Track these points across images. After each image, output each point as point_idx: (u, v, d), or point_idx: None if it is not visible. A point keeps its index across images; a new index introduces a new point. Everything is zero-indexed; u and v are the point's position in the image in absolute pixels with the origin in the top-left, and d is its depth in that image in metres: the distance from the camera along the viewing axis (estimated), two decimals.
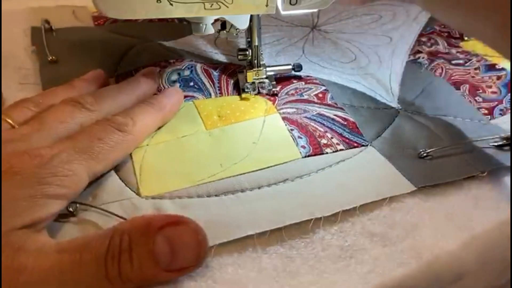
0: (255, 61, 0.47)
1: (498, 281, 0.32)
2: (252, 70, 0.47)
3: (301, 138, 0.41)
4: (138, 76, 0.46)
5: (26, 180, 0.30)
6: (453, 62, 0.54)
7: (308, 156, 0.40)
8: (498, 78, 0.51)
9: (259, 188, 0.36)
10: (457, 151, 0.40)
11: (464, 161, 0.39)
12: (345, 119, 0.44)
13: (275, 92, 0.47)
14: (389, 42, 0.58)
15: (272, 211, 0.34)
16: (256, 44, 0.46)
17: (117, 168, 0.38)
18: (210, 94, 0.48)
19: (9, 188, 0.29)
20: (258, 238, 0.32)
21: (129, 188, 0.36)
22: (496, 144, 0.41)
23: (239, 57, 0.48)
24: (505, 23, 0.30)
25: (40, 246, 0.28)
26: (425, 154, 0.39)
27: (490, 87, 0.50)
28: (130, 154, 0.39)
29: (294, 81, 0.50)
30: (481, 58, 0.54)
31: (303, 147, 0.41)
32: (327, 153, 0.40)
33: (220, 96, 0.48)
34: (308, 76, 0.51)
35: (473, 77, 0.51)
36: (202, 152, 0.40)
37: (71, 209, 0.33)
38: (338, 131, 0.43)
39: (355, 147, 0.41)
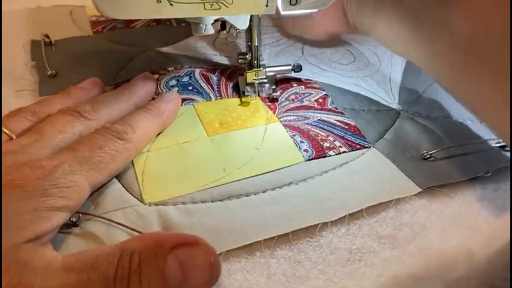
0: (255, 62, 0.47)
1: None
2: (251, 71, 0.47)
3: (303, 142, 0.41)
4: (135, 81, 0.45)
5: (28, 193, 0.29)
6: None
7: (312, 159, 0.39)
8: None
9: (263, 192, 0.36)
10: (460, 152, 0.39)
11: (468, 162, 0.39)
12: (346, 124, 0.44)
13: (276, 96, 0.47)
14: None
15: (278, 215, 0.33)
16: (256, 44, 0.46)
17: (119, 175, 0.37)
18: (210, 97, 0.48)
19: (12, 201, 0.28)
20: (265, 242, 0.31)
21: (132, 195, 0.36)
22: (499, 145, 0.40)
23: (239, 61, 0.48)
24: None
25: (47, 263, 0.27)
26: (428, 156, 0.39)
27: None
28: (132, 160, 0.39)
29: (294, 85, 0.50)
30: None
31: (306, 150, 0.40)
32: (330, 155, 0.40)
33: (220, 98, 0.48)
34: (307, 80, 0.51)
35: None
36: (205, 157, 0.40)
37: (73, 219, 0.33)
38: (340, 134, 0.42)
39: (358, 149, 0.41)
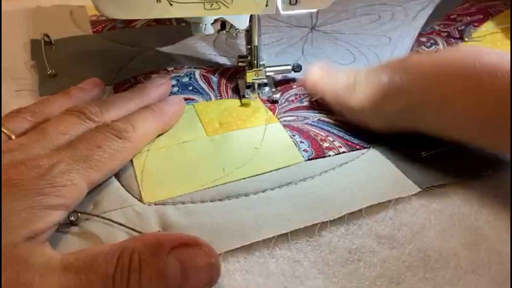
0: (255, 61, 0.47)
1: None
2: (251, 71, 0.47)
3: (303, 142, 0.41)
4: (148, 85, 0.45)
5: (24, 192, 0.29)
6: None
7: (311, 159, 0.39)
8: None
9: (263, 191, 0.36)
10: (459, 152, 0.39)
11: (467, 161, 0.39)
12: (345, 124, 0.44)
13: (276, 99, 0.47)
14: (388, 43, 0.58)
15: (277, 215, 0.33)
16: (256, 44, 0.46)
17: (118, 174, 0.37)
18: (210, 97, 0.48)
19: (8, 199, 0.28)
20: (264, 242, 0.31)
21: (131, 195, 0.36)
22: None
23: (239, 63, 0.48)
24: None
25: (46, 261, 0.27)
26: (427, 156, 0.39)
27: None
28: (131, 160, 0.39)
29: (294, 86, 0.50)
30: None
31: (305, 150, 0.40)
32: (329, 155, 0.40)
33: (220, 98, 0.48)
34: None
35: None
36: (204, 157, 0.40)
37: (72, 219, 0.33)
38: (339, 134, 0.42)
39: (357, 149, 0.41)
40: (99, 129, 0.36)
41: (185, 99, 0.47)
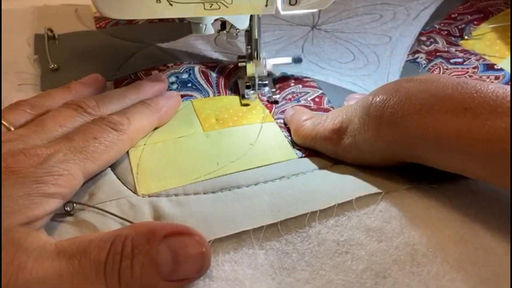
0: (255, 53, 0.47)
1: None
2: (251, 63, 0.47)
3: None
4: (145, 81, 0.46)
5: (22, 179, 0.30)
6: (452, 61, 0.54)
7: (304, 157, 0.40)
8: (496, 78, 0.51)
9: (255, 184, 0.36)
10: None
11: None
12: None
13: (276, 99, 0.47)
14: (388, 42, 0.58)
15: (268, 206, 0.34)
16: (256, 37, 0.46)
17: (114, 167, 0.38)
18: (208, 94, 0.48)
19: (5, 186, 0.29)
20: (254, 233, 0.31)
21: (126, 187, 0.36)
22: None
23: (239, 64, 0.48)
24: None
25: (40, 245, 0.27)
26: None
27: None
28: (128, 153, 0.39)
29: (292, 84, 0.50)
30: (480, 57, 0.54)
31: (300, 149, 0.41)
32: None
33: (218, 95, 0.48)
34: (305, 77, 0.51)
35: (470, 76, 0.51)
36: (199, 151, 0.40)
37: (68, 209, 0.33)
38: None
39: None
40: (96, 122, 0.37)
41: (184, 96, 0.47)
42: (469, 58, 0.54)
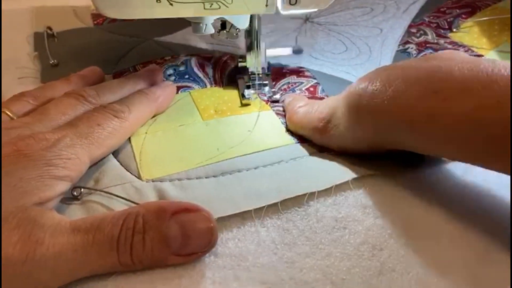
0: (255, 42, 0.46)
1: None
2: (250, 53, 0.47)
3: None
4: (141, 72, 0.47)
5: (33, 162, 0.31)
6: (440, 52, 0.55)
7: (300, 143, 0.41)
8: None
9: (255, 168, 0.38)
10: None
11: None
12: None
13: (276, 99, 0.48)
14: (379, 33, 0.59)
15: (268, 188, 0.35)
16: (256, 29, 0.46)
17: (116, 155, 0.39)
18: (205, 85, 0.49)
19: (18, 169, 0.30)
20: (255, 212, 0.33)
21: (130, 173, 0.37)
22: None
23: (239, 64, 0.48)
24: None
25: (55, 223, 0.29)
26: None
27: None
28: (130, 141, 0.41)
29: (287, 74, 0.52)
30: (468, 49, 0.56)
31: (294, 136, 0.42)
32: None
33: (215, 86, 0.49)
34: (300, 68, 0.53)
35: None
36: (199, 138, 0.41)
37: (75, 193, 0.35)
38: None
39: None
40: (98, 110, 0.38)
41: (182, 87, 0.48)
42: (457, 50, 0.56)
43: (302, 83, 0.50)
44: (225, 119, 0.44)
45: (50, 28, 0.59)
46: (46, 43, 0.57)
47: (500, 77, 0.28)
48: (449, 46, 0.57)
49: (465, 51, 0.55)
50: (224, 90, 0.49)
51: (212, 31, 0.44)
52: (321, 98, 0.48)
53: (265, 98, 0.48)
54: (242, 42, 0.50)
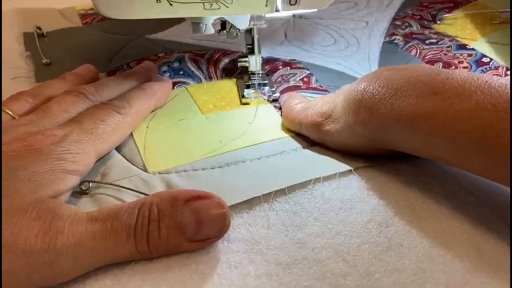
0: (255, 42, 0.47)
1: None
2: (253, 56, 0.47)
3: None
4: (137, 69, 0.48)
5: (44, 156, 0.31)
6: (427, 41, 0.58)
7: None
8: (469, 55, 0.54)
9: (258, 159, 0.39)
10: None
11: None
12: None
13: (276, 98, 0.48)
14: (365, 26, 0.61)
15: (274, 175, 0.36)
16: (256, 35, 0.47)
17: (120, 150, 0.40)
18: (200, 80, 0.50)
19: (30, 163, 0.31)
20: (263, 197, 0.34)
21: (136, 167, 0.38)
22: None
23: (239, 64, 0.49)
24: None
25: (73, 213, 0.29)
26: None
27: (462, 62, 0.53)
28: (132, 136, 0.41)
29: (280, 67, 0.53)
30: (453, 38, 0.58)
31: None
32: None
33: (210, 80, 0.50)
34: (293, 60, 0.54)
35: (445, 54, 0.55)
36: (201, 132, 0.42)
37: (83, 187, 0.35)
38: None
39: None
40: (100, 106, 0.39)
41: (177, 83, 0.49)
42: (442, 39, 0.58)
43: (295, 74, 0.51)
44: (225, 112, 0.45)
45: (39, 28, 0.59)
46: (37, 43, 0.57)
47: (497, 81, 0.29)
48: (434, 36, 0.59)
49: (450, 40, 0.57)
50: (220, 84, 0.50)
51: (212, 31, 0.44)
52: (316, 88, 0.49)
53: (265, 97, 0.49)
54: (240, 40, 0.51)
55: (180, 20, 0.61)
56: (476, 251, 0.30)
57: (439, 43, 0.57)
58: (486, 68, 0.52)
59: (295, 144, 0.41)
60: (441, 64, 0.53)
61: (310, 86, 0.49)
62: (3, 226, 0.27)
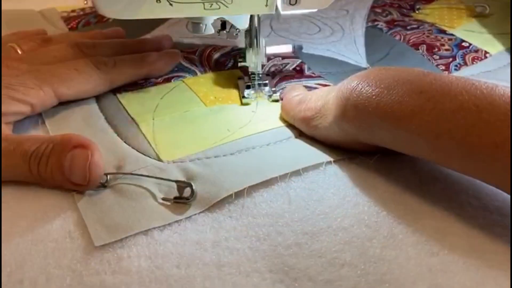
0: (255, 40, 0.47)
1: None
2: (251, 51, 0.47)
3: None
4: (149, 38, 0.55)
5: None
6: (408, 27, 0.60)
7: None
8: (449, 39, 0.57)
9: (267, 145, 0.40)
10: None
11: None
12: (326, 86, 0.48)
13: (276, 98, 0.48)
14: (346, 14, 0.64)
15: (285, 159, 0.38)
16: (256, 26, 0.46)
17: (130, 143, 0.41)
18: (196, 73, 0.51)
19: None
20: (280, 178, 0.36)
21: (149, 157, 0.39)
22: None
23: (239, 64, 0.49)
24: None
25: None
26: None
27: (443, 45, 0.56)
28: (139, 128, 0.42)
29: (271, 57, 0.54)
30: (432, 24, 0.61)
31: None
32: None
33: (204, 73, 0.52)
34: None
35: (428, 36, 0.58)
36: (207, 122, 0.44)
37: (102, 181, 0.36)
38: None
39: None
40: (83, 58, 0.44)
41: (174, 77, 0.50)
42: (422, 25, 0.61)
43: (288, 63, 0.53)
44: (227, 105, 0.47)
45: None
46: None
47: (483, 84, 0.30)
48: (415, 23, 0.61)
49: (430, 26, 0.60)
50: (216, 77, 0.51)
51: (212, 31, 0.44)
52: (310, 76, 0.51)
53: (265, 97, 0.49)
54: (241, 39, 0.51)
55: (163, 21, 0.62)
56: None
57: (420, 27, 0.60)
58: (466, 52, 0.55)
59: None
60: (425, 46, 0.55)
61: (304, 74, 0.51)
62: None
